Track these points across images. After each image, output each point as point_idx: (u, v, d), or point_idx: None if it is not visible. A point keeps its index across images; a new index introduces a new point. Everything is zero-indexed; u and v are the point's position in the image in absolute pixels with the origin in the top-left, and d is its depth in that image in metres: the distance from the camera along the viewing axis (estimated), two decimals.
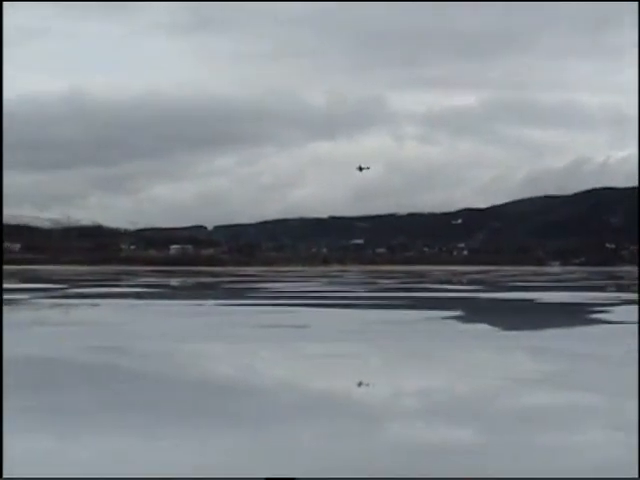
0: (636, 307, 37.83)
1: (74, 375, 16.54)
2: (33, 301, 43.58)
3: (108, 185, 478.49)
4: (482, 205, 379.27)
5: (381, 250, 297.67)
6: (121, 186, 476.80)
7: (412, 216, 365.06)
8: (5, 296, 49.10)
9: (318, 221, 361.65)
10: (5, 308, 39.08)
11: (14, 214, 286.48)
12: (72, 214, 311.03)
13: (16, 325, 29.58)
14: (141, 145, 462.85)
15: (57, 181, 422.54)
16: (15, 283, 75.92)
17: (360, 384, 15.16)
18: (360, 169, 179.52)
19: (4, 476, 7.38)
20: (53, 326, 28.54)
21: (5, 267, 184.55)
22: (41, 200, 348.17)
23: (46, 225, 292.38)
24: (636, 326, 26.82)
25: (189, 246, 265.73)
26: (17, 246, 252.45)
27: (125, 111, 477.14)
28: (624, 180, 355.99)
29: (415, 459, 9.61)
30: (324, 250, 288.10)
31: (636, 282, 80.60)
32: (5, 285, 69.65)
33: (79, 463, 9.34)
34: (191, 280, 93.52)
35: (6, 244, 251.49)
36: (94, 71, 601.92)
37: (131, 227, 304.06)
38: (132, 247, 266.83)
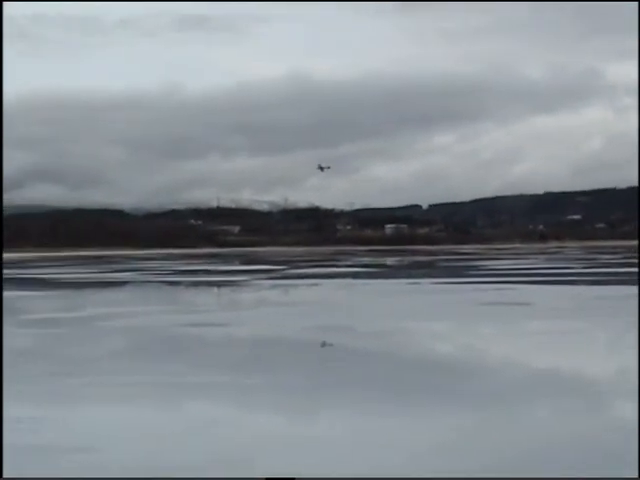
0: None
1: (299, 354, 16.72)
2: (254, 282, 44.56)
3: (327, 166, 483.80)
4: None
5: (600, 225, 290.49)
6: (340, 167, 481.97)
7: (633, 190, 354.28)
8: (227, 278, 50.43)
9: (535, 197, 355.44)
10: (228, 289, 40.15)
11: (234, 198, 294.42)
12: (291, 196, 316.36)
13: (240, 306, 30.32)
14: (360, 126, 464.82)
15: (277, 164, 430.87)
16: (236, 265, 77.86)
17: (583, 361, 14.74)
18: (321, 169, 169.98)
19: (4, 476, 7.38)
20: (275, 307, 29.06)
21: (225, 249, 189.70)
22: (261, 184, 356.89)
23: (265, 208, 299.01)
24: None
25: (404, 225, 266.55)
26: (236, 228, 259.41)
27: (345, 92, 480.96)
28: None
29: None
30: (541, 226, 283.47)
31: None
32: (226, 267, 71.57)
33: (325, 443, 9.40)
34: (407, 259, 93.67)
35: (226, 227, 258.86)
36: (313, 54, 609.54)
37: (347, 208, 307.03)
38: (348, 227, 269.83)
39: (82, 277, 54.91)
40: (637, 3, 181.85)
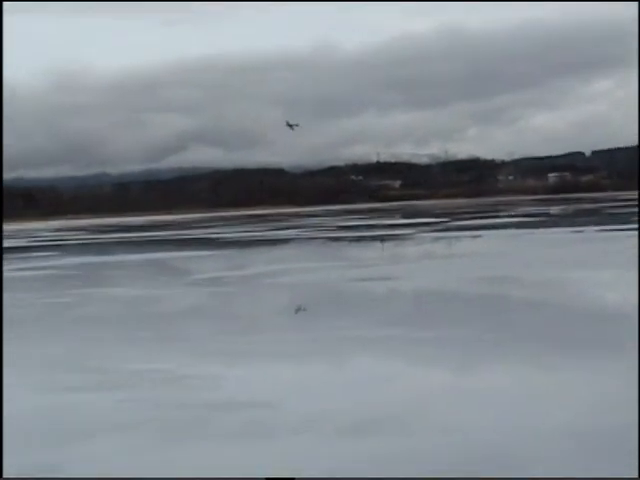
0: None
1: (467, 307, 16.67)
2: (417, 235, 44.51)
3: (485, 118, 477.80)
4: None
5: None
6: (498, 118, 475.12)
7: None
8: (390, 232, 50.52)
9: None
10: (392, 243, 40.22)
11: (394, 152, 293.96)
12: (450, 149, 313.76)
13: (404, 259, 30.34)
14: (517, 75, 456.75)
15: (434, 118, 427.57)
16: (398, 219, 77.85)
17: None
18: (290, 126, 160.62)
19: (4, 476, 7.31)
20: (440, 259, 28.98)
21: (386, 204, 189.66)
22: (421, 137, 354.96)
23: (424, 161, 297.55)
24: None
25: (567, 173, 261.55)
26: (397, 183, 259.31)
27: (500, 43, 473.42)
28: None
29: None
30: None
31: None
32: (389, 221, 71.64)
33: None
34: (572, 207, 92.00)
35: (387, 181, 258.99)
36: (468, 6, 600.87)
37: (507, 158, 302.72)
38: (510, 178, 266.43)
39: (245, 236, 55.82)
40: (637, 3, 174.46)
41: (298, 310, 17.43)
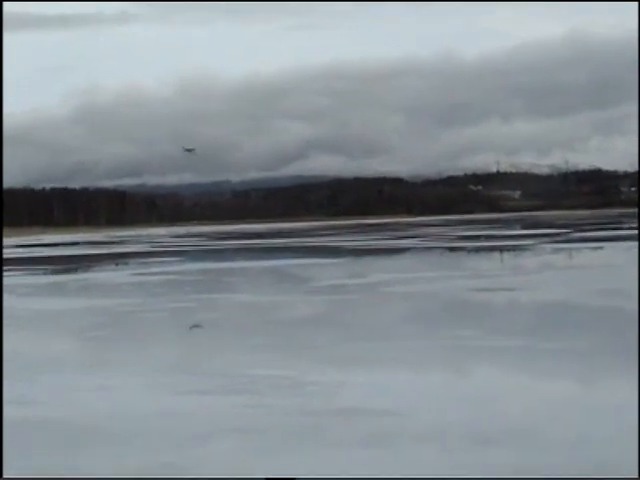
0: None
1: (589, 319, 16.45)
2: (538, 246, 44.03)
3: (608, 127, 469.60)
4: None
5: None
6: (620, 127, 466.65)
7: None
8: (510, 242, 50.09)
9: None
10: (512, 254, 39.86)
11: (513, 162, 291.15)
12: (571, 159, 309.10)
13: (525, 270, 30.05)
14: None
15: (557, 127, 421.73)
16: (518, 229, 77.03)
17: None
18: (188, 150, 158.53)
19: (4, 476, 7.33)
20: (561, 270, 28.62)
21: (506, 214, 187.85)
22: (542, 146, 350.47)
23: (545, 172, 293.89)
24: None
25: None
26: (517, 193, 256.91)
27: (625, 51, 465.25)
28: None
29: None
30: None
31: None
32: (508, 232, 70.95)
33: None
34: None
35: (506, 191, 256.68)
36: (590, 13, 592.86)
37: (630, 169, 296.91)
38: (632, 189, 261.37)
39: (364, 244, 55.95)
40: (637, 3, 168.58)
41: (416, 318, 17.42)
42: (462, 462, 7.43)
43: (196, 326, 17.07)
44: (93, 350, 14.55)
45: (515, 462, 7.33)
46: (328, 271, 32.55)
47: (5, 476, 7.34)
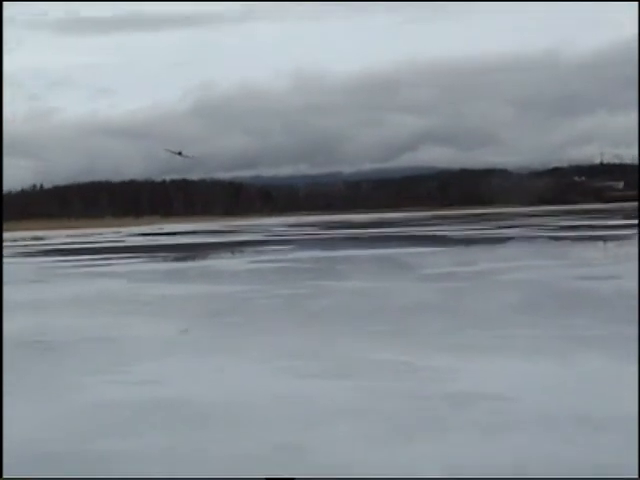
0: None
1: None
2: None
3: None
4: None
5: None
6: None
7: None
8: (613, 232, 49.63)
9: None
10: (615, 243, 39.52)
11: (618, 153, 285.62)
12: None
13: (629, 258, 30.02)
14: None
15: None
16: (620, 220, 75.57)
17: None
18: (180, 154, 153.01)
19: (4, 476, 7.27)
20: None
21: (610, 204, 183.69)
22: None
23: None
24: None
25: None
26: (621, 184, 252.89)
27: None
28: None
29: None
30: None
31: None
32: (610, 222, 70.00)
33: None
34: None
35: (610, 182, 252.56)
36: None
37: None
38: None
39: (471, 234, 56.12)
40: (637, 3, 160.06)
41: (527, 306, 17.54)
42: (575, 444, 7.71)
43: (311, 312, 17.52)
44: (215, 334, 15.09)
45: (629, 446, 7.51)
46: (437, 259, 32.82)
47: (5, 476, 7.32)
